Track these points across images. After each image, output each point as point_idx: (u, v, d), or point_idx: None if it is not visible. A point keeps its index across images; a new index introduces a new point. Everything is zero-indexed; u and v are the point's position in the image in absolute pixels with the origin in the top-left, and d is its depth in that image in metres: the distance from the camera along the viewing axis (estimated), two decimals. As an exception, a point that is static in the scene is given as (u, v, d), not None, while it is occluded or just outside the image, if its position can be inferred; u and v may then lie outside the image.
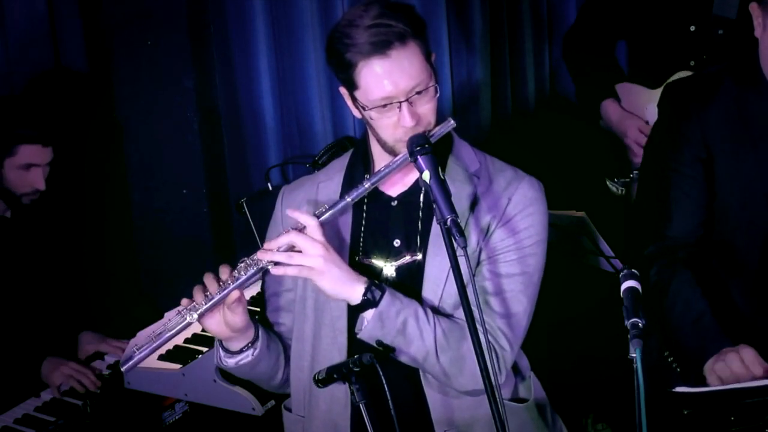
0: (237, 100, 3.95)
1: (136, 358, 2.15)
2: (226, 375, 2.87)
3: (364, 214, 2.28)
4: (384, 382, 2.02)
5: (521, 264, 2.21)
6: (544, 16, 5.43)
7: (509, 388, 2.31)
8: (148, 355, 2.15)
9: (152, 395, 3.01)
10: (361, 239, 2.28)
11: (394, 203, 2.27)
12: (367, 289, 2.13)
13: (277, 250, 2.13)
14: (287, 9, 4.02)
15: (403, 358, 2.17)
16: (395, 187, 2.28)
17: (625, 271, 2.09)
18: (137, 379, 2.98)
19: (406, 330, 2.13)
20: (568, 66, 4.29)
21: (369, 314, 2.14)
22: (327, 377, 2.12)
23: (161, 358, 3.01)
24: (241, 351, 2.27)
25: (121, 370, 2.22)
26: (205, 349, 3.00)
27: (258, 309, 2.43)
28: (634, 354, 1.92)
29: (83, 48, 3.73)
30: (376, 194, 2.27)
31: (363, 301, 2.13)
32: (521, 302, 2.21)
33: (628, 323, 1.98)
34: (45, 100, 3.46)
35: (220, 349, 2.30)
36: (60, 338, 3.30)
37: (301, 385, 2.33)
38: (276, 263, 2.12)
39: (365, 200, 2.27)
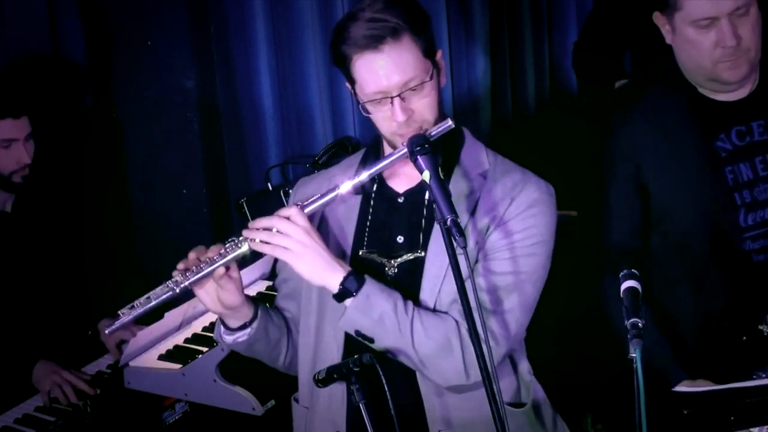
0: (237, 100, 3.95)
1: (120, 321, 2.19)
2: (226, 375, 2.88)
3: (371, 209, 2.29)
4: (384, 382, 2.02)
5: (517, 263, 2.20)
6: (544, 16, 5.44)
7: (509, 392, 2.30)
8: (132, 320, 2.20)
9: (152, 395, 3.01)
10: (366, 234, 2.28)
11: (401, 199, 2.28)
12: (345, 278, 2.14)
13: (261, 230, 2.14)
14: (287, 9, 4.03)
15: (381, 348, 2.18)
16: (402, 182, 2.29)
17: (625, 271, 2.09)
18: (137, 379, 2.98)
19: (383, 321, 2.14)
20: (577, 73, 4.37)
21: (348, 302, 2.15)
22: (327, 377, 2.12)
23: (161, 358, 3.01)
24: (238, 329, 2.31)
25: (106, 332, 2.28)
26: (205, 349, 3.00)
27: (267, 304, 2.44)
28: (634, 354, 1.92)
29: (84, 48, 3.73)
30: (383, 189, 2.29)
31: (340, 289, 2.14)
32: (514, 300, 2.20)
33: (628, 323, 1.99)
34: (19, 76, 3.45)
35: (221, 324, 2.33)
36: (60, 336, 3.29)
37: (306, 377, 2.35)
38: (257, 241, 2.15)
39: (372, 195, 2.29)
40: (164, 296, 2.18)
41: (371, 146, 2.36)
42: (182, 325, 3.12)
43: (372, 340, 2.16)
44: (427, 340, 2.15)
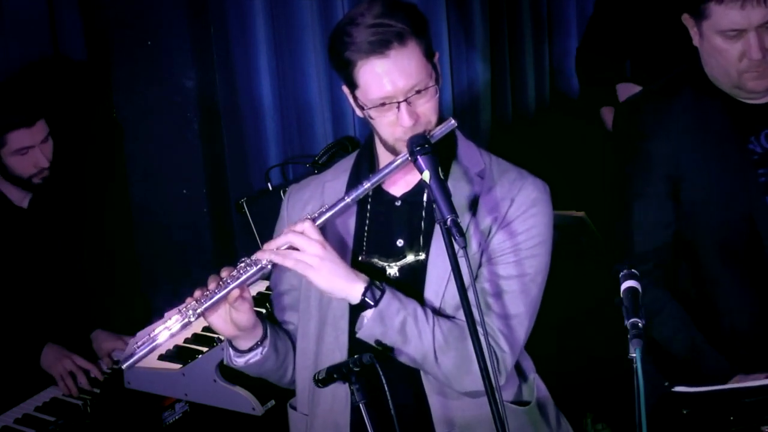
0: (237, 100, 3.95)
1: (136, 356, 2.15)
2: (226, 375, 2.88)
3: (368, 214, 2.28)
4: (384, 382, 2.02)
5: (522, 265, 2.20)
6: (544, 16, 5.45)
7: (512, 391, 2.30)
8: (148, 353, 2.15)
9: (152, 395, 3.01)
10: (365, 238, 2.27)
11: (398, 203, 2.27)
12: (367, 289, 2.12)
13: (276, 249, 2.13)
14: (287, 9, 4.03)
15: (403, 358, 2.17)
16: (399, 187, 2.27)
17: (625, 271, 2.09)
18: (137, 379, 2.98)
19: (404, 330, 2.13)
20: (580, 80, 4.39)
21: (368, 313, 2.14)
22: (327, 377, 2.12)
23: (161, 358, 3.01)
24: (249, 350, 2.27)
25: (122, 367, 2.23)
26: (205, 349, 3.00)
27: (263, 310, 2.42)
28: (634, 354, 1.92)
29: (84, 48, 3.74)
30: (379, 193, 2.27)
31: (362, 300, 2.13)
32: (522, 304, 2.19)
33: (627, 323, 1.99)
34: (29, 83, 3.45)
35: (230, 348, 2.30)
36: (60, 336, 3.29)
37: (305, 384, 2.33)
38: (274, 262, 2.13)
39: (369, 199, 2.27)
40: (180, 326, 2.13)
41: (364, 151, 2.34)
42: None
43: (391, 350, 2.15)
44: (448, 348, 2.15)
